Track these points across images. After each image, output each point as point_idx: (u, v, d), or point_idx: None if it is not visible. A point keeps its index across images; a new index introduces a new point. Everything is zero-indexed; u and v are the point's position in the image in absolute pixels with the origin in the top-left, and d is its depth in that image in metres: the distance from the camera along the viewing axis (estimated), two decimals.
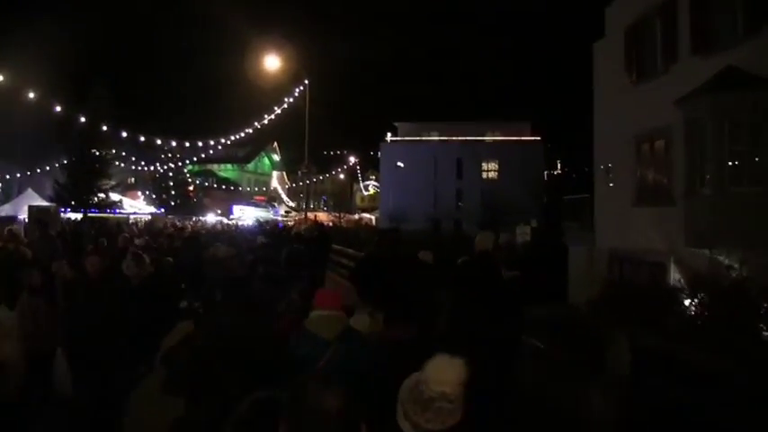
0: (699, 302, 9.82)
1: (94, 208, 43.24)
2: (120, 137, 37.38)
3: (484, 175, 63.42)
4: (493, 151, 63.31)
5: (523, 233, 46.89)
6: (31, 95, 22.34)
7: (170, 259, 11.38)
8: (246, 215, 65.09)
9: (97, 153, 47.38)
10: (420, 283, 8.29)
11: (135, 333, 6.72)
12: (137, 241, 15.21)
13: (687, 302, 10.24)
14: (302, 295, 6.42)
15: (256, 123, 38.76)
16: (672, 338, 8.10)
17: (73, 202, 43.01)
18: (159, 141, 38.20)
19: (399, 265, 9.12)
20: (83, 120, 32.30)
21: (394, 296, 7.04)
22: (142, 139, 35.85)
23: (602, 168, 17.97)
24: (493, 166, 63.34)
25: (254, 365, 4.58)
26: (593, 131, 18.32)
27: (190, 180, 68.31)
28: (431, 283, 8.47)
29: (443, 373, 3.22)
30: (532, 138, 62.65)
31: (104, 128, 34.97)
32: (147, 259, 7.84)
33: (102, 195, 46.41)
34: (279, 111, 38.56)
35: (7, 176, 54.71)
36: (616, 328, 8.41)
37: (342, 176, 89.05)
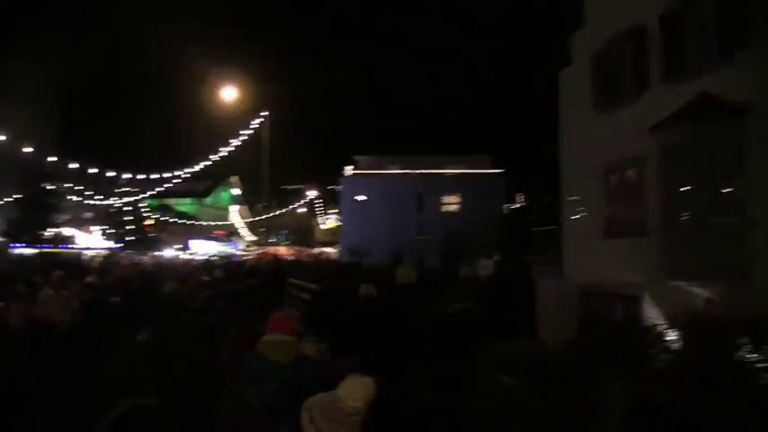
0: (681, 338, 9.35)
1: (47, 243, 41.97)
2: (73, 170, 36.40)
3: (444, 208, 63.11)
4: (453, 184, 63.07)
5: (486, 266, 46.50)
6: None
7: (116, 299, 10.63)
8: (204, 249, 63.89)
9: (49, 187, 46.25)
10: (362, 317, 8.85)
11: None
12: (88, 279, 14.25)
13: (669, 338, 9.74)
14: (249, 324, 6.70)
15: (213, 156, 38.04)
16: (661, 380, 7.58)
17: (25, 238, 41.71)
18: (113, 173, 37.26)
19: (347, 300, 9.94)
20: (29, 150, 31.24)
21: (337, 329, 7.83)
22: (95, 171, 34.88)
23: (570, 200, 17.50)
24: (453, 199, 63.10)
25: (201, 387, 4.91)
26: (560, 162, 17.88)
27: (148, 215, 67.05)
28: (372, 317, 8.76)
29: (357, 391, 3.62)
30: (493, 170, 62.58)
31: (54, 158, 33.90)
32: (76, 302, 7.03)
33: (54, 230, 45.23)
34: (238, 142, 37.98)
35: None
36: (604, 371, 7.96)
37: (302, 210, 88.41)
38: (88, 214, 65.20)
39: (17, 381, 5.98)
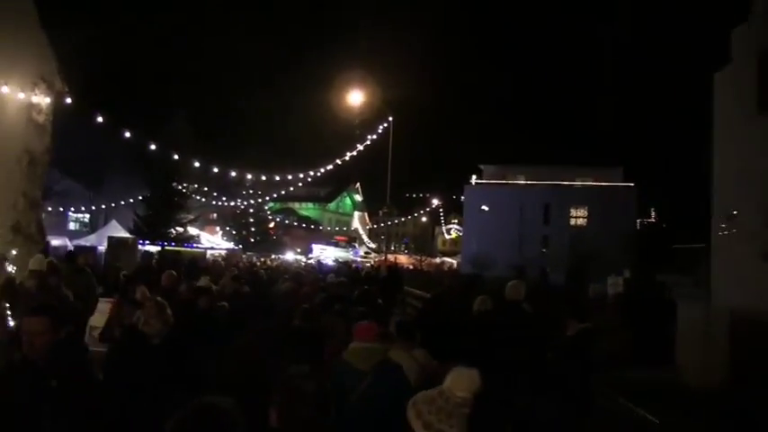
0: None
1: (171, 241, 42.67)
2: (204, 171, 36.75)
3: (572, 221, 60.79)
4: (582, 197, 60.82)
5: (615, 284, 43.88)
6: (127, 134, 21.59)
7: (225, 304, 9.82)
8: (326, 255, 64.02)
9: (179, 187, 47.18)
10: (475, 329, 8.99)
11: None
12: (201, 281, 13.36)
13: None
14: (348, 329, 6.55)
15: (338, 160, 37.45)
16: None
17: (151, 236, 42.54)
18: (249, 176, 37.24)
19: (459, 310, 10.27)
20: (175, 156, 31.57)
21: (445, 338, 8.09)
22: (233, 174, 35.02)
23: (722, 216, 15.64)
24: (582, 212, 60.76)
25: None
26: (713, 172, 16.02)
27: (270, 217, 67.81)
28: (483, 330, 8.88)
29: (464, 382, 3.55)
30: (625, 184, 59.84)
31: (196, 164, 34.11)
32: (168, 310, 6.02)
33: (180, 229, 45.99)
34: (361, 147, 37.20)
35: (92, 207, 55.29)
36: None
37: (424, 219, 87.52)
38: (213, 215, 66.52)
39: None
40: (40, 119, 13.38)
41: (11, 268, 11.02)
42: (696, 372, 15.20)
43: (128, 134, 20.92)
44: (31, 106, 12.83)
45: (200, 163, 33.21)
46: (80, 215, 62.13)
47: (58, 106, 14.25)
